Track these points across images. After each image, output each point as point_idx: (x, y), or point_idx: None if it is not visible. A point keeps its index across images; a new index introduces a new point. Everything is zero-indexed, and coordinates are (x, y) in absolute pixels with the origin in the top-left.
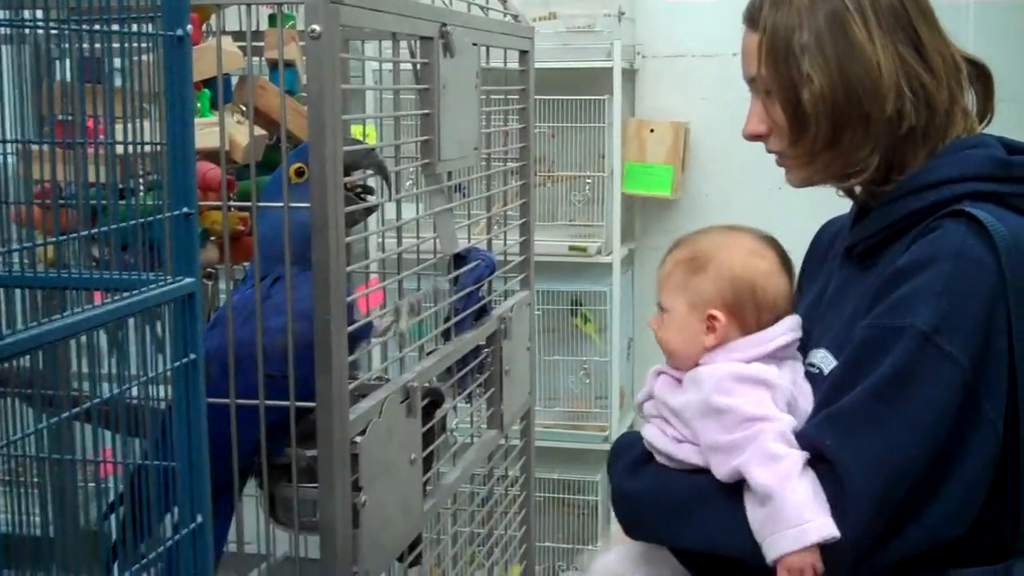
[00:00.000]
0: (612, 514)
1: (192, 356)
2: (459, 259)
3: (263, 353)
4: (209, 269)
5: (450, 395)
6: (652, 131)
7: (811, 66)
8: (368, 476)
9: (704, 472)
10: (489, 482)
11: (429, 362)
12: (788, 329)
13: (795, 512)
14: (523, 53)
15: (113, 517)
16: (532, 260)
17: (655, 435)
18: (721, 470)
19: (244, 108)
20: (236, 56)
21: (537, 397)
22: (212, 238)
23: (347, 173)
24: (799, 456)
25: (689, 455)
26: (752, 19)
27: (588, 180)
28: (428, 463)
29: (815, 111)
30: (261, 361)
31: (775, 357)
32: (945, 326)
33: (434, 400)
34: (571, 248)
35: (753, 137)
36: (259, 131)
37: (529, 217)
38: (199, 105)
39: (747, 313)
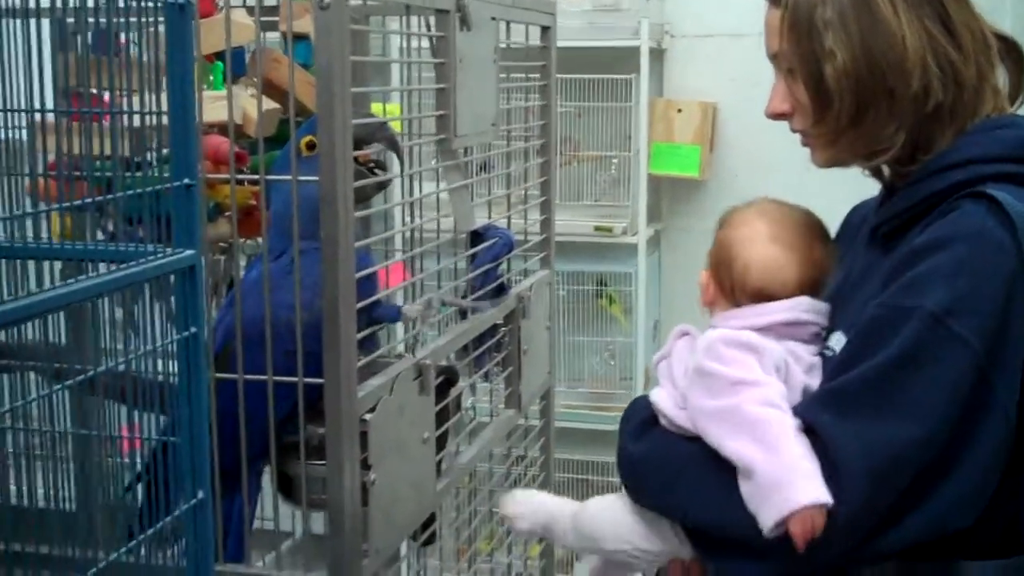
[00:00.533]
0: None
1: (193, 329)
2: (476, 237)
3: (286, 329)
4: (222, 244)
5: (466, 374)
6: (680, 111)
7: (834, 41)
8: (378, 454)
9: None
10: (507, 462)
11: (443, 340)
12: (793, 308)
13: (780, 475)
14: (545, 29)
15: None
16: (553, 239)
17: (662, 398)
18: (708, 437)
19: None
20: (248, 28)
21: (561, 378)
22: (226, 213)
23: (358, 147)
24: (784, 420)
25: (687, 421)
26: None
27: (614, 160)
28: (442, 442)
29: (838, 87)
30: (270, 337)
31: (775, 332)
32: (958, 308)
33: (449, 378)
34: (596, 228)
35: (776, 116)
36: (273, 104)
37: (550, 196)
38: (212, 78)
39: (724, 279)
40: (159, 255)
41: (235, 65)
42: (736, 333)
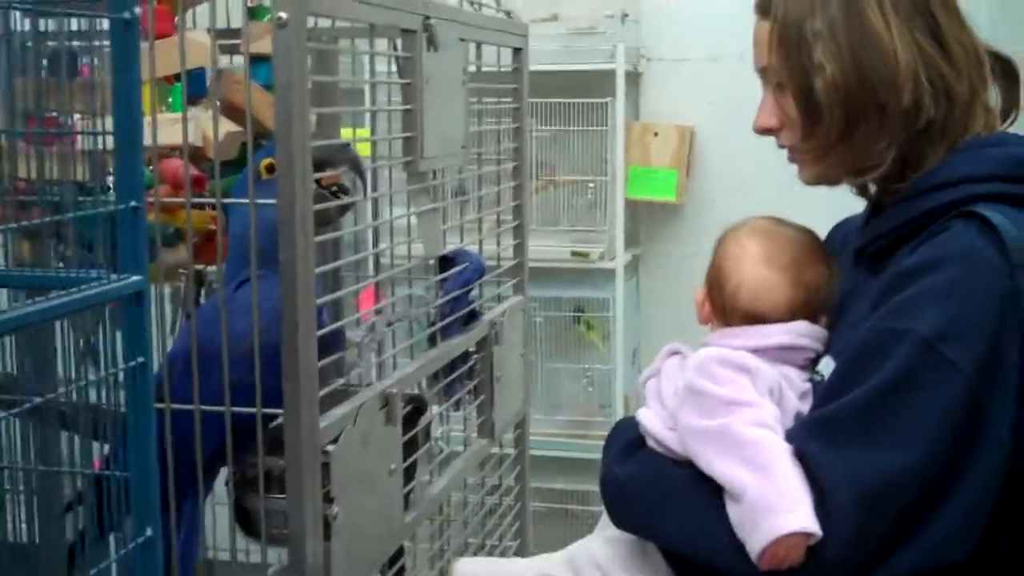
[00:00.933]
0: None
1: (140, 359)
2: (447, 262)
3: (227, 357)
4: (182, 270)
5: (436, 402)
6: (656, 135)
7: (824, 54)
8: (341, 487)
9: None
10: (481, 492)
11: (411, 368)
12: (789, 331)
13: (771, 499)
14: (516, 51)
15: (72, 519)
16: (526, 264)
17: (649, 418)
18: (698, 459)
19: (220, 103)
20: (205, 48)
21: (538, 405)
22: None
23: (320, 169)
24: (777, 442)
25: (676, 443)
26: (763, 7)
27: (591, 184)
28: (411, 473)
29: (828, 101)
30: (194, 366)
31: (769, 355)
32: (950, 332)
33: (417, 407)
34: (573, 253)
35: (764, 131)
36: (234, 127)
37: (523, 220)
38: (171, 100)
39: (717, 298)
40: (104, 281)
41: (195, 87)
42: (730, 353)
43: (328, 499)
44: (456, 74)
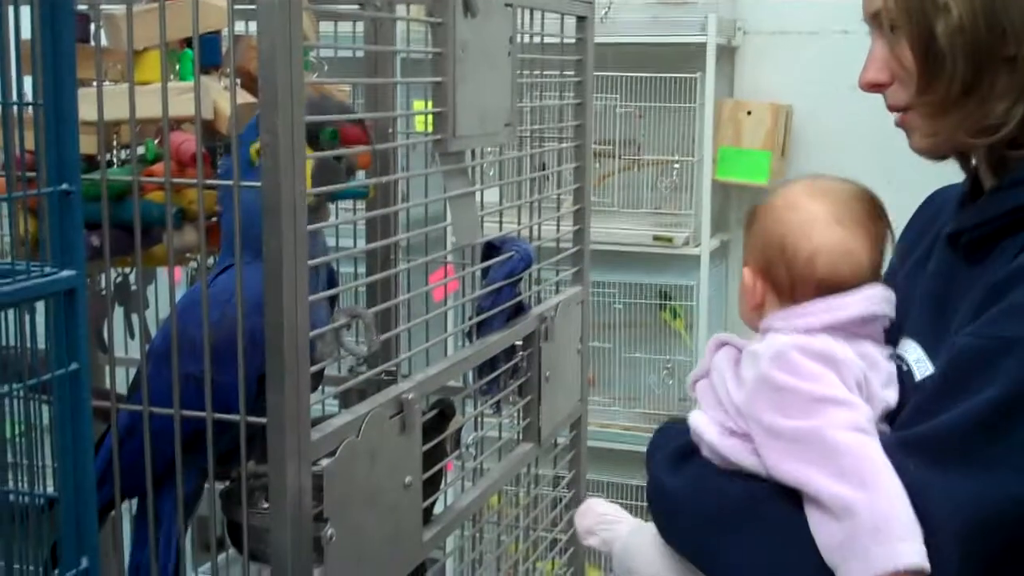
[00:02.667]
0: None
1: (74, 366)
2: (492, 250)
3: (185, 350)
4: (188, 255)
5: (473, 404)
6: (749, 113)
7: None
8: (338, 506)
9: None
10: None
11: (433, 369)
12: (868, 300)
13: (884, 528)
14: (580, 19)
15: None
16: (587, 252)
17: (703, 423)
18: (781, 467)
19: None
20: (222, 12)
21: (617, 396)
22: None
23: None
24: (879, 454)
25: (736, 452)
26: None
27: (676, 165)
28: (437, 484)
29: (951, 48)
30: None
31: (847, 331)
32: None
33: (444, 412)
34: (656, 238)
35: (872, 87)
36: (250, 98)
37: (584, 204)
38: (179, 67)
39: (780, 277)
40: (33, 275)
41: (208, 54)
42: (811, 340)
43: (321, 519)
44: (499, 44)
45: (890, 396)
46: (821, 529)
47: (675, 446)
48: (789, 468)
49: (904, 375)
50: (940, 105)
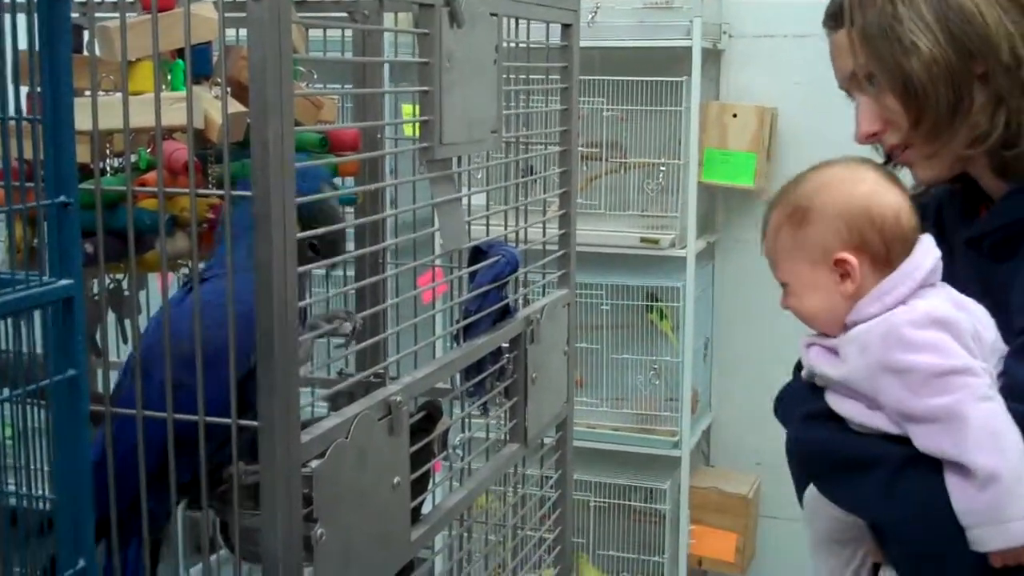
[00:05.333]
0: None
1: (71, 372)
2: (478, 254)
3: (170, 359)
4: (180, 261)
5: (459, 406)
6: (735, 116)
7: (912, 32)
8: (328, 506)
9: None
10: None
11: (421, 372)
12: (930, 249)
13: (1022, 501)
14: (566, 27)
15: None
16: (573, 255)
17: (847, 408)
18: (925, 443)
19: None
20: (213, 23)
21: (604, 397)
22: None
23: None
24: (1010, 422)
25: (880, 423)
26: (835, 18)
27: (663, 168)
28: (424, 484)
29: (930, 79)
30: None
31: (929, 286)
32: None
33: (430, 413)
34: (642, 240)
35: (869, 138)
36: (240, 108)
37: (570, 208)
38: (170, 77)
39: (875, 245)
40: (33, 284)
41: (198, 64)
42: (914, 308)
43: (311, 519)
44: (485, 52)
45: (988, 334)
46: (960, 491)
47: (808, 410)
48: (927, 444)
49: None
50: (933, 131)
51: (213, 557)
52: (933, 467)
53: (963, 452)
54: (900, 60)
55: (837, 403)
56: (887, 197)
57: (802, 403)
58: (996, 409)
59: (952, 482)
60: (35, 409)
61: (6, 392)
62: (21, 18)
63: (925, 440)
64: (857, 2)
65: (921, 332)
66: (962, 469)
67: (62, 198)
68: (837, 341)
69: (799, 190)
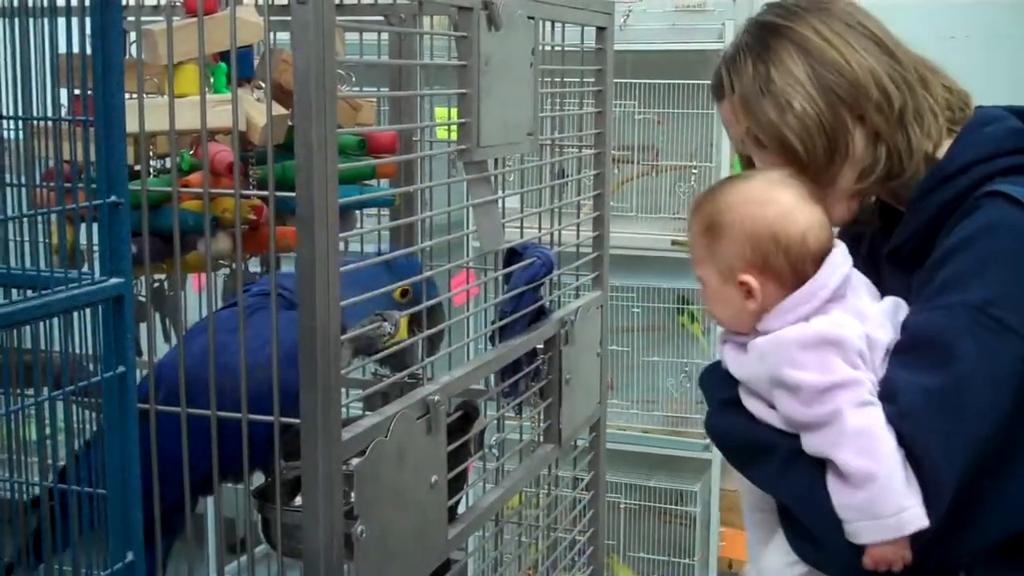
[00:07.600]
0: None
1: (121, 368)
2: (514, 255)
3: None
4: (221, 261)
5: (495, 406)
6: None
7: (784, 93)
8: (368, 503)
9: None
10: (548, 485)
11: (459, 372)
12: (837, 266)
13: (895, 499)
14: (600, 30)
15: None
16: (606, 257)
17: (751, 404)
18: (809, 445)
19: (264, 85)
20: (256, 27)
21: (635, 399)
22: (227, 228)
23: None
24: (885, 426)
25: (775, 421)
26: (718, 92)
27: (695, 170)
28: (461, 483)
29: (805, 131)
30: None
31: (834, 300)
32: (999, 299)
33: (467, 413)
34: (674, 243)
35: None
36: (281, 110)
37: (603, 211)
38: (213, 80)
39: (779, 267)
40: (84, 282)
41: (241, 67)
42: (808, 330)
43: (352, 516)
44: (522, 55)
45: (884, 336)
46: (839, 490)
47: (724, 397)
48: (811, 446)
49: None
50: (816, 177)
51: (245, 557)
52: (819, 461)
53: (839, 455)
54: (774, 119)
55: (744, 396)
56: (797, 218)
57: (720, 388)
58: (874, 413)
59: (831, 480)
60: (80, 407)
61: (45, 392)
62: (60, 22)
63: (810, 443)
64: (733, 71)
65: (807, 353)
66: (840, 469)
67: (113, 198)
68: (747, 342)
69: (717, 202)
